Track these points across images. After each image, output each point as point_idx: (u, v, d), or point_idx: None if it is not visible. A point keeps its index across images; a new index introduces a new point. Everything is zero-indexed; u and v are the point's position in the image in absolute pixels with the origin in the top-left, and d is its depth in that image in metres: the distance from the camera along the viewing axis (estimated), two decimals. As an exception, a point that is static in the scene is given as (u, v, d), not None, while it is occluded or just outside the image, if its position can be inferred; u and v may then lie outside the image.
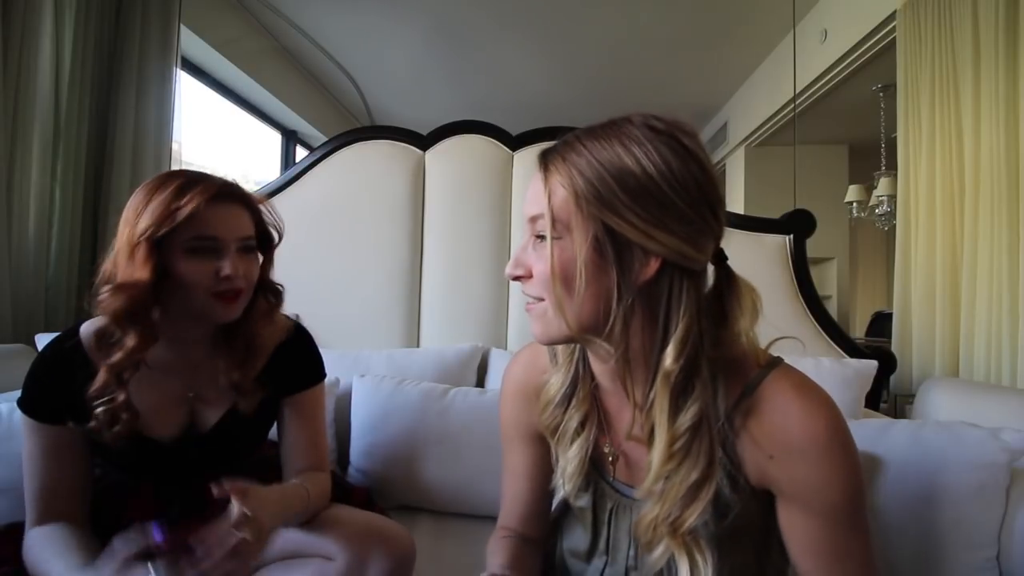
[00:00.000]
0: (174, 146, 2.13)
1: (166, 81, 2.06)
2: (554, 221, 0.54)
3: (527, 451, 0.75)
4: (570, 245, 0.54)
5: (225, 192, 0.83)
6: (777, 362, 0.61)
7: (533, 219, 0.57)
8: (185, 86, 2.80)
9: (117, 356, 0.78)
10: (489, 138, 1.71)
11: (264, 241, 0.91)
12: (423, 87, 4.42)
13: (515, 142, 1.71)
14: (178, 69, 2.14)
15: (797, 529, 0.58)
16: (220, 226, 0.81)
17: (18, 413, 1.10)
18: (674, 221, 0.53)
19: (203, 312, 0.82)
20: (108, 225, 1.89)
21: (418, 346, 1.69)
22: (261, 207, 0.91)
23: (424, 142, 1.73)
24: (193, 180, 0.81)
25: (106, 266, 0.81)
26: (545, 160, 0.57)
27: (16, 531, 0.84)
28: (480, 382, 1.55)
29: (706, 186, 0.55)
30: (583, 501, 0.69)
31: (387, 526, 0.89)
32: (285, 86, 3.85)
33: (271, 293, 0.92)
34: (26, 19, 1.60)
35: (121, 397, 0.79)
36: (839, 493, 0.55)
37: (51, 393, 0.81)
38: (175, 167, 2.14)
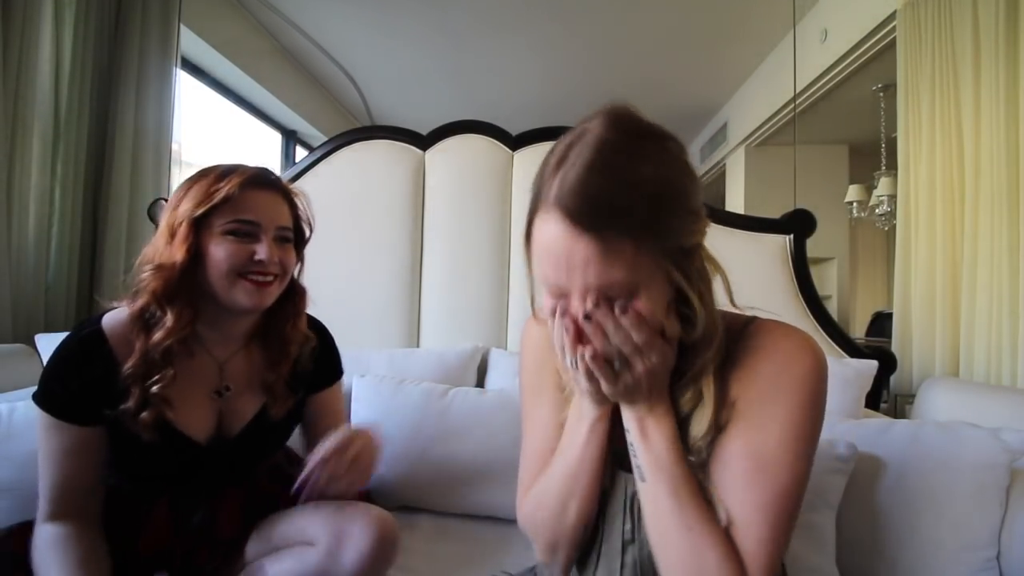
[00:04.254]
0: (174, 146, 2.13)
1: (166, 81, 2.06)
2: (635, 282, 0.53)
3: (555, 399, 0.72)
4: (653, 290, 0.55)
5: (263, 178, 0.85)
6: (753, 319, 0.65)
7: (599, 286, 0.54)
8: (185, 86, 2.80)
9: (158, 335, 0.79)
10: (489, 138, 1.71)
11: (298, 237, 0.91)
12: (423, 87, 4.42)
13: (515, 142, 1.71)
14: (178, 69, 2.14)
15: (730, 442, 0.59)
16: (258, 210, 0.82)
17: (19, 413, 1.11)
18: (696, 201, 0.55)
19: (235, 300, 0.81)
20: (108, 225, 1.89)
21: (418, 346, 1.69)
22: (297, 200, 0.91)
23: (424, 142, 1.73)
24: (233, 167, 0.83)
25: (147, 250, 0.83)
26: (585, 222, 0.51)
27: (29, 530, 0.83)
28: (480, 382, 1.55)
29: (683, 153, 0.56)
30: None
31: (365, 507, 0.89)
32: (285, 86, 3.85)
33: (298, 294, 0.93)
34: (26, 19, 1.60)
35: (169, 373, 0.79)
36: (784, 410, 0.58)
37: (72, 389, 0.79)
38: (175, 167, 2.14)
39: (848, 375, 1.35)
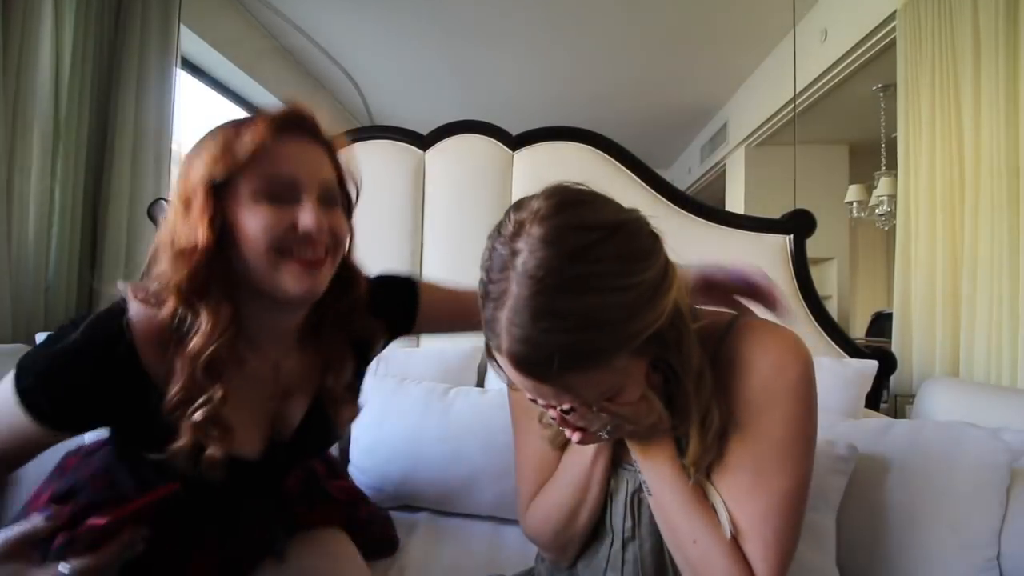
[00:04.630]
0: (174, 146, 2.13)
1: (166, 81, 2.05)
2: (609, 389, 0.53)
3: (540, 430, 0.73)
4: (629, 384, 0.54)
5: (296, 120, 0.64)
6: (735, 319, 0.64)
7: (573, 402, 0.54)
8: (185, 86, 2.80)
9: (194, 345, 0.60)
10: (489, 138, 1.71)
11: (345, 201, 0.70)
12: (423, 87, 4.42)
13: (515, 142, 1.71)
14: (178, 68, 2.14)
15: (729, 452, 0.60)
16: (294, 163, 0.62)
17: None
18: (654, 289, 0.50)
19: (281, 286, 0.62)
20: (108, 225, 1.89)
21: (418, 346, 1.69)
22: (340, 153, 0.71)
23: (424, 142, 1.73)
24: (255, 113, 0.64)
25: (160, 232, 0.63)
26: (541, 375, 0.50)
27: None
28: (480, 382, 1.55)
29: (630, 240, 0.51)
30: None
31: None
32: (285, 86, 3.84)
33: (354, 279, 0.74)
34: (26, 19, 1.60)
35: (217, 394, 0.61)
36: (779, 417, 0.58)
37: (77, 401, 0.60)
38: (175, 167, 2.14)
39: (848, 375, 1.35)
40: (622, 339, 0.49)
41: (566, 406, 0.54)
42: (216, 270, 0.61)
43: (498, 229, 0.54)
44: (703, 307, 0.67)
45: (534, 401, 0.56)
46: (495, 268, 0.51)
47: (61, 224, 1.77)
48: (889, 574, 0.96)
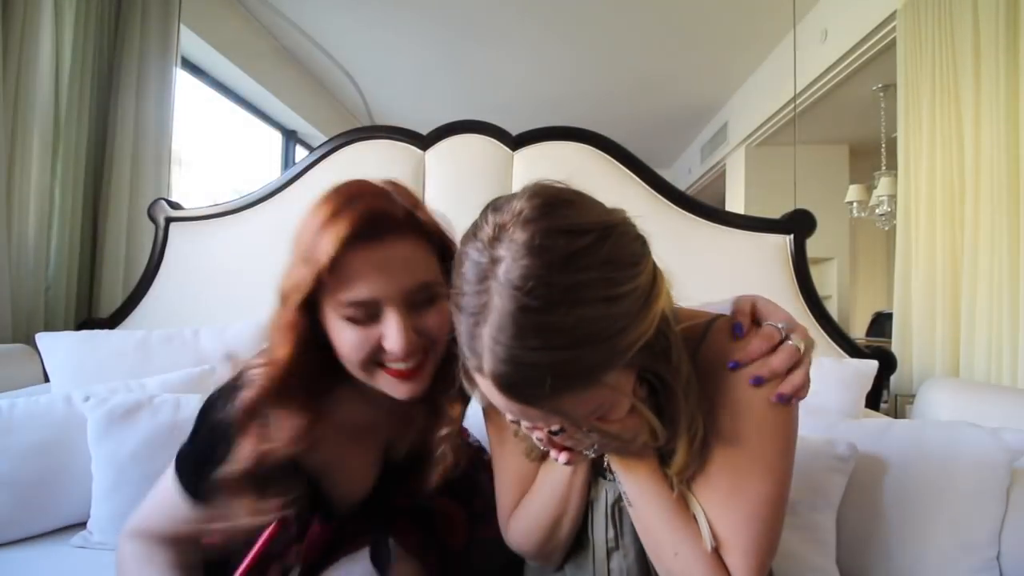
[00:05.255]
0: (174, 146, 2.13)
1: (166, 81, 2.06)
2: (596, 409, 0.50)
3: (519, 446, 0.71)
4: (615, 403, 0.51)
5: (371, 228, 0.57)
6: (714, 321, 0.61)
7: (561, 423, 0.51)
8: (185, 86, 2.80)
9: (266, 446, 0.60)
10: (489, 138, 1.71)
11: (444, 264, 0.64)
12: (423, 87, 4.42)
13: (515, 142, 1.70)
14: (178, 69, 2.14)
15: (708, 461, 0.59)
16: (373, 281, 0.57)
17: (19, 407, 1.12)
18: (642, 301, 0.46)
19: (380, 389, 0.62)
20: (108, 225, 1.89)
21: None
22: (428, 223, 0.63)
23: (424, 142, 1.73)
24: (347, 198, 0.59)
25: (273, 314, 0.62)
26: (529, 399, 0.46)
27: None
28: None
29: (615, 243, 0.46)
30: None
31: None
32: (285, 86, 3.85)
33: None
34: (26, 19, 1.60)
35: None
36: (755, 421, 0.56)
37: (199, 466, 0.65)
38: (175, 167, 2.14)
39: (848, 375, 1.35)
40: (615, 353, 0.45)
41: (555, 427, 0.51)
42: (304, 374, 0.60)
43: (474, 232, 0.48)
44: (680, 308, 0.62)
45: (516, 423, 0.53)
46: (472, 278, 0.46)
47: (61, 224, 1.77)
48: (889, 574, 0.96)
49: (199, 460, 0.65)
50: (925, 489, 0.96)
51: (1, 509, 1.07)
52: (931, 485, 0.96)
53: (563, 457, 0.56)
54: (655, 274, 0.49)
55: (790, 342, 0.56)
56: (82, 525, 1.10)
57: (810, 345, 0.57)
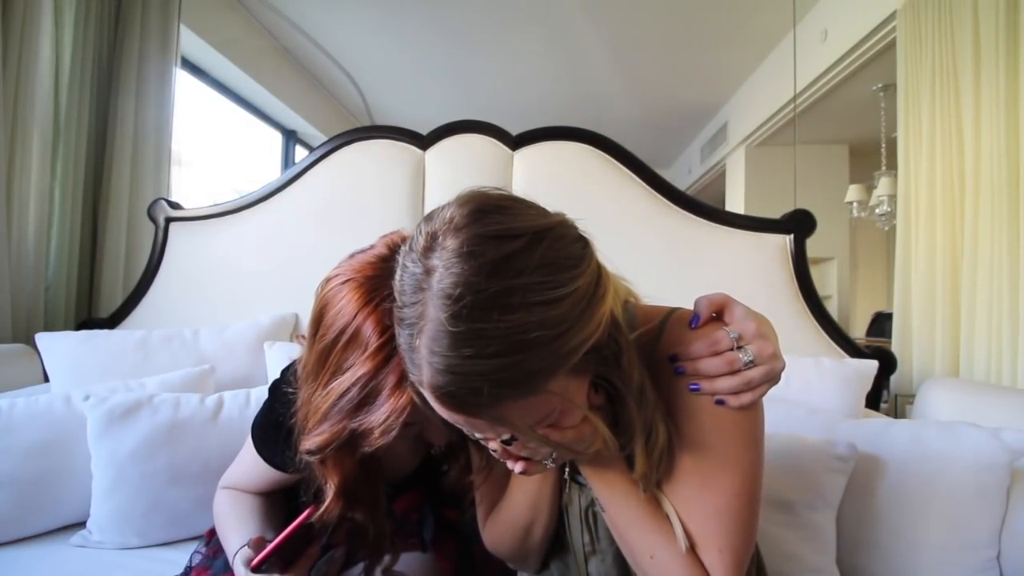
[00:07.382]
0: (174, 146, 2.13)
1: (166, 81, 2.06)
2: (545, 416, 0.49)
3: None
4: (567, 408, 0.49)
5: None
6: (668, 315, 0.60)
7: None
8: (185, 86, 2.81)
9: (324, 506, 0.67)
10: (489, 138, 1.71)
11: None
12: (423, 86, 4.43)
13: (515, 142, 1.70)
14: (178, 69, 2.14)
15: (675, 461, 0.58)
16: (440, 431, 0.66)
17: (19, 407, 1.12)
18: (587, 299, 0.46)
19: None
20: (108, 225, 1.89)
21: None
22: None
23: (424, 142, 1.73)
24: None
25: (299, 408, 0.66)
26: (470, 410, 0.45)
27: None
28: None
29: (557, 244, 0.45)
30: None
31: None
32: (285, 86, 3.85)
33: None
34: (26, 19, 1.60)
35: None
36: (718, 416, 0.55)
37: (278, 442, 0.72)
38: (175, 167, 2.14)
39: (848, 375, 1.35)
40: (556, 359, 0.44)
41: (505, 436, 0.49)
42: (362, 488, 0.68)
43: (409, 244, 0.48)
44: (641, 306, 0.62)
45: (469, 436, 0.52)
46: (408, 289, 0.46)
47: (61, 224, 1.77)
48: (889, 573, 0.96)
49: (277, 434, 0.71)
50: (925, 489, 0.96)
51: (1, 509, 1.07)
52: (931, 485, 0.96)
53: (519, 467, 0.54)
54: (599, 275, 0.48)
55: (739, 353, 0.54)
56: (82, 524, 1.10)
57: (766, 362, 0.55)
